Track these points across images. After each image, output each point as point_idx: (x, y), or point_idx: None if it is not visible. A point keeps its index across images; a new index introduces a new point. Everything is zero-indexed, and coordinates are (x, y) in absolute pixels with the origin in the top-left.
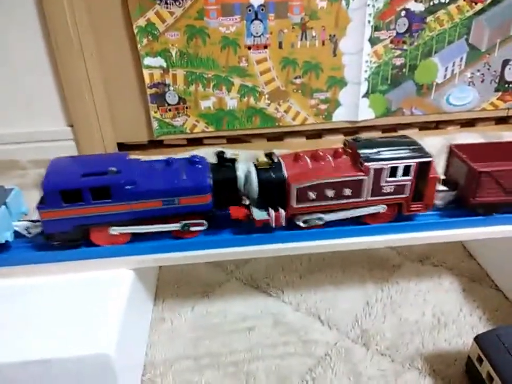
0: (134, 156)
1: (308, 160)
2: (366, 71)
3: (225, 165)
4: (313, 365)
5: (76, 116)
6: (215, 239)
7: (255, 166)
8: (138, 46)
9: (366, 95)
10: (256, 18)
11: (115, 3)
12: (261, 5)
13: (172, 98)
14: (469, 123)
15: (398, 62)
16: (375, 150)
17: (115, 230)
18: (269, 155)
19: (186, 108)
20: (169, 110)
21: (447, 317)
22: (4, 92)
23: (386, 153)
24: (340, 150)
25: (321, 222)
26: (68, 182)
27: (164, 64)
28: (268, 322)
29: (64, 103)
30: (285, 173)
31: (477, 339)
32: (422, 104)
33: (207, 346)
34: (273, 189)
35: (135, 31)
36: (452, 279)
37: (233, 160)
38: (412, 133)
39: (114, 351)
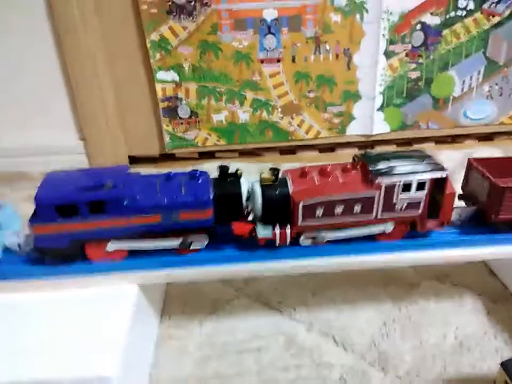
0: (139, 169)
1: (315, 175)
2: (380, 84)
3: (228, 179)
4: None
5: (88, 130)
6: (222, 255)
7: (260, 181)
8: (151, 60)
9: (381, 108)
10: (269, 32)
11: (128, 18)
12: (274, 19)
13: (184, 112)
14: (486, 137)
15: (414, 75)
16: (386, 165)
17: (112, 247)
18: (274, 170)
19: (198, 121)
20: (181, 123)
21: (470, 340)
22: (17, 105)
23: (398, 168)
24: (349, 166)
25: (323, 240)
26: (64, 196)
27: (177, 78)
28: (279, 342)
29: (76, 117)
30: (290, 189)
31: (504, 364)
32: (438, 118)
33: (214, 367)
34: (278, 206)
35: (148, 45)
36: (473, 299)
37: (236, 175)
38: (428, 147)
39: (117, 373)
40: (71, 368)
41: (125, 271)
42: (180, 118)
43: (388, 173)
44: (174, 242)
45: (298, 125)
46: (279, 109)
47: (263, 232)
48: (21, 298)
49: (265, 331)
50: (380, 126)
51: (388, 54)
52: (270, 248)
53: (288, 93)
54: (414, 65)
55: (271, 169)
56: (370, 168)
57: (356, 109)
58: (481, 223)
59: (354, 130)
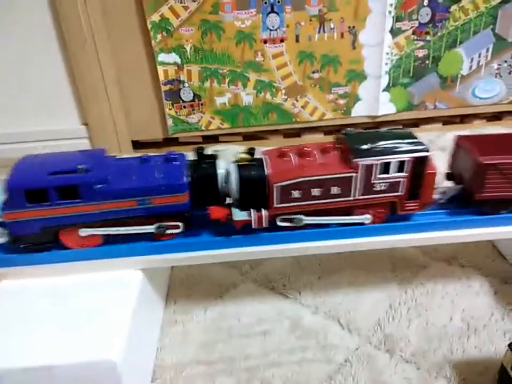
0: (143, 154)
1: (293, 156)
2: (386, 63)
3: (205, 161)
4: (333, 371)
5: (91, 114)
6: (228, 238)
7: (236, 162)
8: (153, 42)
9: (387, 88)
10: (272, 11)
11: None
12: None
13: (186, 95)
14: (495, 117)
15: (421, 53)
16: (366, 145)
17: (85, 232)
18: (250, 151)
19: (201, 104)
20: (184, 107)
21: (477, 322)
22: (18, 90)
23: (378, 147)
24: (328, 146)
25: (300, 223)
26: (33, 181)
27: (178, 60)
28: (284, 326)
29: (78, 101)
30: (266, 170)
31: None
32: (446, 97)
33: (220, 351)
34: (254, 187)
35: (149, 27)
36: (481, 281)
37: (213, 157)
38: (436, 128)
39: (121, 356)
40: (76, 353)
41: (128, 256)
42: (183, 101)
43: (367, 152)
44: (149, 228)
45: (302, 107)
46: (283, 91)
47: (239, 215)
48: (26, 284)
49: (271, 315)
50: (386, 107)
51: (394, 32)
52: (271, 231)
53: (292, 74)
54: (421, 43)
55: (247, 149)
56: (349, 148)
57: (361, 89)
58: (466, 203)
59: (360, 111)
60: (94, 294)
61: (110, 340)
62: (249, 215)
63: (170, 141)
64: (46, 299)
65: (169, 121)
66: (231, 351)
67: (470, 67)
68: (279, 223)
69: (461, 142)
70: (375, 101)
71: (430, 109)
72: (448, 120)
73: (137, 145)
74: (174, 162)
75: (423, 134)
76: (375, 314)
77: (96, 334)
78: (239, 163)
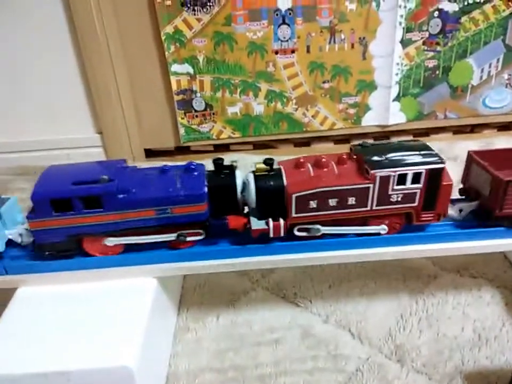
0: (155, 162)
1: (310, 167)
2: (397, 74)
3: (223, 172)
4: (344, 381)
5: (105, 123)
6: (243, 247)
7: (254, 172)
8: (166, 53)
9: (397, 98)
10: (284, 22)
11: (143, 11)
12: (288, 9)
13: (198, 104)
14: (505, 126)
15: (431, 64)
16: (382, 156)
17: (110, 241)
18: (268, 161)
19: (213, 114)
20: (196, 116)
21: (488, 333)
22: (34, 99)
23: (394, 159)
24: (344, 156)
25: (317, 233)
26: (58, 191)
27: (191, 71)
28: (295, 334)
29: (93, 111)
30: (284, 181)
31: None
32: (456, 107)
33: (232, 359)
34: (272, 197)
35: (163, 38)
36: (493, 292)
37: (231, 167)
38: (446, 138)
39: (136, 363)
40: (93, 359)
41: (143, 264)
42: (195, 110)
43: (383, 164)
44: (169, 236)
45: (313, 116)
46: (294, 100)
47: (256, 224)
48: (44, 290)
49: (282, 323)
50: (396, 116)
51: (405, 42)
52: (287, 241)
53: (303, 84)
54: (431, 54)
55: (265, 159)
56: (365, 160)
57: (371, 99)
58: (483, 218)
59: (370, 121)
60: (110, 301)
61: (126, 346)
62: (267, 224)
63: (182, 150)
64: (63, 305)
65: (181, 130)
66: (242, 359)
67: (481, 77)
68: (297, 233)
69: (475, 157)
70: (385, 111)
71: (440, 119)
72: (458, 130)
73: (149, 153)
74: (193, 173)
75: (433, 143)
76: (386, 324)
77: (112, 340)
78: (257, 173)
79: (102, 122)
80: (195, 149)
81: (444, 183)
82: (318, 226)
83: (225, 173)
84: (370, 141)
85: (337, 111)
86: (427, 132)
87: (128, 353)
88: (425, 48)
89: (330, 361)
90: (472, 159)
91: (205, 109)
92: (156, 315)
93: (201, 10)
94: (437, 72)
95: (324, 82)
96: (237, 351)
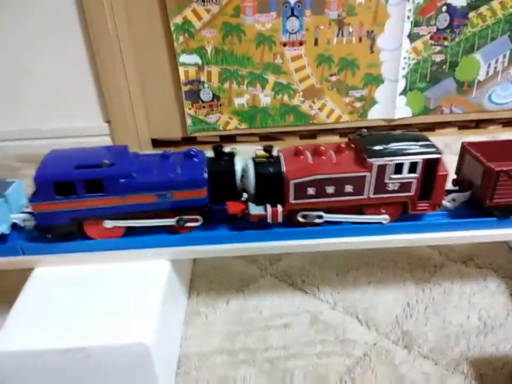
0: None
1: (309, 155)
2: (404, 68)
3: (223, 158)
4: (352, 365)
5: (113, 112)
6: (249, 233)
7: (253, 159)
8: (175, 43)
9: (404, 92)
10: (292, 14)
11: (153, 1)
12: (297, 1)
13: (206, 95)
14: (511, 122)
15: (438, 58)
16: (379, 145)
17: (109, 224)
18: (268, 148)
19: (220, 105)
20: (203, 107)
21: (493, 321)
22: (43, 87)
23: (391, 148)
24: (343, 145)
25: (320, 220)
26: (61, 174)
27: (199, 62)
28: (304, 320)
29: (102, 100)
30: (283, 167)
31: None
32: (462, 102)
33: (242, 342)
34: (270, 183)
35: (172, 28)
36: (498, 282)
37: (231, 154)
38: (451, 132)
39: (153, 340)
40: (111, 336)
41: (158, 247)
42: (202, 101)
43: (380, 153)
44: (169, 221)
45: (319, 109)
46: (301, 93)
47: (255, 209)
48: (60, 271)
49: (290, 309)
50: (402, 110)
51: (412, 37)
52: (298, 227)
53: (310, 77)
54: (438, 48)
55: (265, 146)
56: (363, 148)
57: (378, 92)
58: (475, 208)
59: (376, 114)
60: (125, 282)
61: (143, 324)
62: (265, 209)
63: (188, 140)
64: (80, 285)
65: (189, 121)
66: (252, 343)
67: (487, 73)
68: (300, 219)
69: (468, 148)
70: (391, 105)
71: (446, 113)
72: (463, 125)
73: (156, 143)
74: (193, 159)
75: (438, 138)
76: (392, 312)
77: (129, 318)
78: (256, 160)
79: (110, 112)
80: (201, 140)
81: (440, 173)
82: (321, 213)
83: (224, 159)
84: (369, 132)
85: (344, 104)
86: (433, 126)
87: (145, 330)
88: (433, 42)
89: (338, 346)
90: (465, 150)
91: (212, 100)
92: (169, 296)
93: (210, 1)
94: (444, 67)
95: (331, 75)
96: (247, 334)
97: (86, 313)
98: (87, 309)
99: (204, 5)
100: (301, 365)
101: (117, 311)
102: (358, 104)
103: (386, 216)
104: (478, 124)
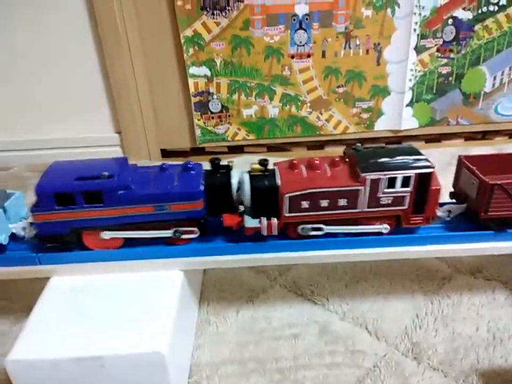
0: (170, 162)
1: (303, 168)
2: (410, 80)
3: (220, 171)
4: (361, 376)
5: (124, 123)
6: (263, 244)
7: (249, 172)
8: (185, 55)
9: (410, 104)
10: (300, 27)
11: (164, 14)
12: (305, 14)
13: (215, 106)
14: None
15: (444, 70)
16: (373, 160)
17: (107, 235)
18: (263, 162)
19: (229, 116)
20: (212, 117)
21: (502, 333)
22: (55, 97)
23: (384, 163)
24: (337, 159)
25: (320, 233)
26: (61, 186)
27: (208, 73)
28: (313, 331)
29: (113, 111)
30: (278, 181)
31: None
32: (468, 113)
33: (252, 351)
34: (266, 196)
35: (182, 41)
36: (506, 294)
37: (228, 167)
38: (457, 143)
39: (168, 349)
40: (126, 345)
41: (171, 257)
42: (211, 112)
43: (374, 167)
44: (166, 233)
45: (326, 120)
46: (308, 104)
47: (250, 222)
48: (76, 280)
49: (300, 320)
50: (409, 122)
51: (419, 49)
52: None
53: (317, 88)
54: (445, 60)
55: (260, 160)
56: (357, 163)
57: (384, 104)
58: (471, 221)
59: (383, 125)
60: (140, 291)
61: (159, 333)
62: (260, 222)
63: (197, 150)
64: (96, 295)
65: (198, 131)
66: (263, 353)
67: (493, 84)
68: (301, 232)
69: (464, 162)
70: (398, 116)
71: (452, 125)
72: (470, 136)
73: (165, 153)
74: (190, 172)
75: (444, 149)
76: (402, 323)
77: (144, 327)
78: (252, 173)
79: (121, 122)
80: (210, 150)
81: (433, 188)
82: (322, 225)
83: (221, 172)
84: (363, 146)
85: (351, 115)
86: (439, 138)
87: (160, 340)
88: (439, 55)
89: (348, 357)
90: (461, 163)
91: (221, 111)
92: (183, 306)
93: (220, 14)
94: (450, 78)
95: (338, 86)
96: (257, 344)
97: (101, 322)
98: (102, 318)
99: (213, 18)
100: (311, 375)
101: (132, 320)
102: (364, 116)
103: (386, 226)
104: (484, 135)
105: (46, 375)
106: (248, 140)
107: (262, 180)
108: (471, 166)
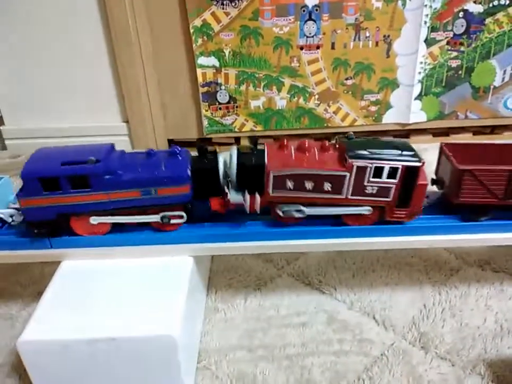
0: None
1: (293, 150)
2: (420, 72)
3: (207, 156)
4: (369, 364)
5: (131, 112)
6: (272, 231)
7: (237, 149)
8: (194, 45)
9: (419, 97)
10: (310, 18)
11: (173, 4)
12: (315, 5)
13: (222, 97)
14: None
15: (454, 63)
16: (363, 148)
17: (95, 220)
18: (253, 140)
19: (237, 107)
20: (220, 108)
21: (510, 324)
22: (63, 86)
23: (373, 152)
24: (327, 144)
25: (301, 215)
26: (46, 170)
27: (217, 64)
28: (321, 319)
29: (121, 100)
30: (265, 159)
31: None
32: (477, 107)
33: (261, 338)
34: (252, 173)
35: (191, 31)
36: None
37: (215, 153)
38: (466, 137)
39: (179, 333)
40: (138, 327)
41: (182, 243)
42: (219, 103)
43: (362, 155)
44: (153, 218)
45: (334, 112)
46: (316, 96)
47: (234, 197)
48: (87, 264)
49: (308, 308)
50: (417, 115)
51: (429, 42)
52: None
53: (326, 80)
54: (455, 54)
55: (250, 137)
56: (346, 149)
57: (393, 97)
58: (447, 208)
59: (391, 118)
60: (151, 276)
61: (171, 317)
62: (244, 197)
63: (203, 141)
64: (107, 279)
65: (205, 122)
66: (271, 340)
67: (503, 79)
68: (280, 213)
69: (444, 149)
70: (406, 109)
71: (461, 119)
72: (478, 130)
73: (172, 143)
74: (177, 157)
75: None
76: (409, 313)
77: (156, 311)
78: (242, 150)
79: (128, 112)
80: (217, 141)
81: (419, 183)
82: (300, 206)
83: (208, 157)
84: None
85: (359, 108)
86: (447, 132)
87: (172, 323)
88: (449, 48)
89: (356, 345)
90: (442, 150)
91: (229, 102)
92: (192, 291)
93: (229, 4)
94: (460, 72)
95: (346, 78)
96: (265, 331)
97: (113, 305)
98: (114, 301)
99: (223, 8)
100: (319, 362)
101: (144, 303)
102: (373, 108)
103: (369, 208)
104: (493, 130)
105: (56, 357)
106: (255, 131)
107: (249, 156)
108: (448, 153)
